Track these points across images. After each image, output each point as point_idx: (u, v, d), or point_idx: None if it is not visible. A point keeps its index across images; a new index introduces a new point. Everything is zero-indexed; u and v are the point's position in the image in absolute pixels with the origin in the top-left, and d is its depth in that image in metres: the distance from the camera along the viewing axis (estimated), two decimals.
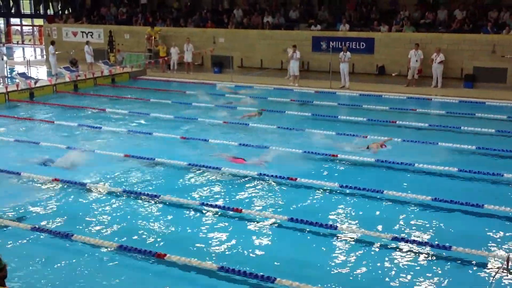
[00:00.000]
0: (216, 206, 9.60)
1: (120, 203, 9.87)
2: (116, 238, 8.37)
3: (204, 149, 13.19)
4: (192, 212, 9.48)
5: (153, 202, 9.88)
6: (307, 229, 8.74)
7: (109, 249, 8.04)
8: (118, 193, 10.23)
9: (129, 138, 14.42)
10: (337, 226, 8.76)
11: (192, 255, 7.81)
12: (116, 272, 7.54)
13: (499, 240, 8.38)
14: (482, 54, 20.71)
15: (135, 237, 8.52)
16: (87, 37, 28.58)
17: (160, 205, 9.76)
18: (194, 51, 25.13)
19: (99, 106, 18.26)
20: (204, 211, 9.49)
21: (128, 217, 9.33)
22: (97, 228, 8.89)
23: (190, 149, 13.27)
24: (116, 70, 23.98)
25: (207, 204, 9.67)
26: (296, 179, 10.81)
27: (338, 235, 8.58)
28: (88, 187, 10.50)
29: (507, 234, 8.51)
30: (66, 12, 35.39)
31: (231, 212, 9.36)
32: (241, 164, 11.57)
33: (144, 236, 8.59)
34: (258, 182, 10.87)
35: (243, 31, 25.59)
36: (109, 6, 31.29)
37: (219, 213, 9.40)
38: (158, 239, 8.50)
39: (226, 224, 9.06)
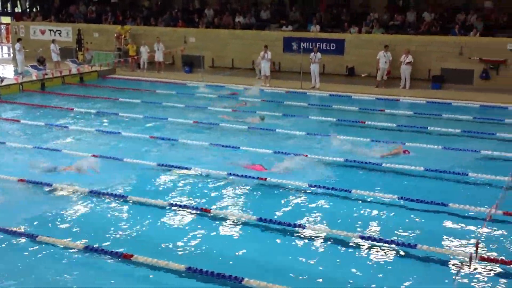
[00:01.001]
0: (184, 206, 9.55)
1: (86, 204, 9.73)
2: (83, 239, 8.25)
3: (174, 149, 13.13)
4: (161, 213, 9.40)
5: (120, 202, 9.77)
6: (276, 229, 8.75)
7: (75, 250, 7.93)
8: (84, 194, 10.09)
9: (97, 137, 14.24)
10: (305, 226, 8.80)
11: (160, 255, 7.75)
12: (82, 273, 7.43)
13: (464, 238, 8.52)
14: (450, 56, 21.08)
15: (102, 238, 8.41)
16: (55, 35, 28.17)
17: (128, 206, 9.66)
18: (164, 51, 24.98)
19: (67, 105, 18.00)
20: (172, 212, 9.42)
21: (95, 218, 9.22)
22: (63, 229, 8.75)
23: (160, 149, 13.18)
24: (84, 69, 23.67)
25: (176, 204, 9.62)
26: (265, 179, 10.83)
27: (306, 234, 8.61)
28: (54, 188, 10.33)
29: (471, 232, 8.66)
30: (34, 10, 34.76)
31: (199, 212, 9.33)
32: (261, 172, 11.26)
33: (111, 237, 8.49)
34: (227, 182, 10.85)
35: (214, 30, 25.55)
36: (78, 4, 30.88)
37: (187, 213, 9.35)
38: (126, 240, 8.41)
39: (195, 224, 9.01)
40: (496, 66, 20.41)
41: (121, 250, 7.86)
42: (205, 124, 15.55)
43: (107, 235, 8.54)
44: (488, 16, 22.31)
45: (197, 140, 13.75)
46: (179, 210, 9.45)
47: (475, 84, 20.82)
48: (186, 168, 11.45)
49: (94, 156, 11.79)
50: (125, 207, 9.62)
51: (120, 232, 8.68)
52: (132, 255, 7.64)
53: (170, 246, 8.21)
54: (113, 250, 7.83)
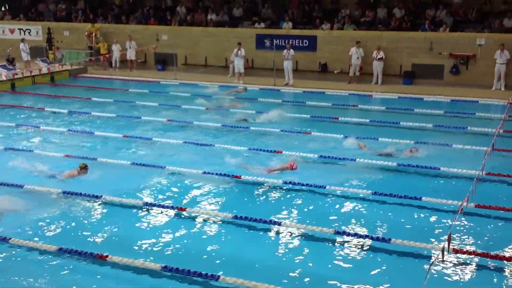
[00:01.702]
0: (159, 205, 9.50)
1: (60, 205, 9.61)
2: (56, 241, 8.14)
3: (148, 148, 13.05)
4: (135, 212, 9.35)
5: (95, 202, 9.67)
6: (252, 226, 8.78)
7: (48, 252, 7.82)
8: (58, 194, 9.95)
9: (70, 137, 14.06)
10: (281, 222, 8.84)
11: (136, 255, 7.71)
12: (56, 275, 7.36)
13: (436, 231, 8.66)
14: (420, 52, 21.34)
15: (76, 239, 8.32)
16: (24, 34, 27.68)
17: (102, 206, 9.58)
18: (136, 49, 24.78)
19: (38, 105, 17.73)
20: (147, 211, 9.37)
21: (69, 219, 9.10)
22: (36, 231, 8.63)
23: (134, 148, 13.09)
24: (55, 68, 23.32)
25: (150, 203, 9.56)
26: (240, 176, 10.83)
27: (282, 231, 8.66)
28: (26, 189, 10.17)
29: (444, 225, 8.80)
30: (3, 8, 34.10)
31: (175, 211, 9.30)
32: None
33: (85, 238, 8.40)
34: (202, 180, 10.81)
35: (187, 28, 25.43)
36: (47, 3, 30.40)
37: (162, 212, 9.30)
38: (100, 240, 8.34)
39: (170, 223, 8.98)
40: (465, 61, 20.74)
41: (95, 251, 7.79)
42: (179, 122, 15.48)
43: (81, 236, 8.46)
44: (457, 11, 22.66)
45: (172, 139, 13.71)
46: (154, 209, 9.40)
47: (445, 79, 21.13)
48: (161, 167, 11.39)
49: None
50: (99, 207, 9.53)
51: (95, 233, 8.59)
52: (107, 256, 7.58)
53: (146, 246, 8.17)
54: (87, 251, 7.75)
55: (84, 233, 8.58)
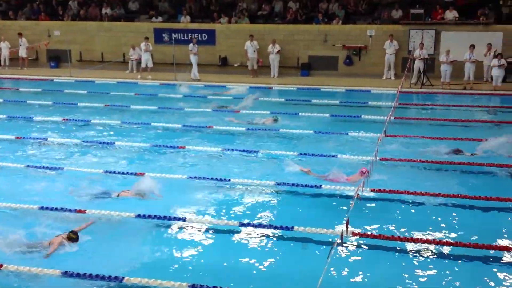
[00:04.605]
0: (56, 209, 9.02)
1: None
2: None
3: (43, 149, 12.48)
4: (30, 217, 8.85)
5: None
6: (156, 224, 8.66)
7: None
8: None
9: None
10: (185, 218, 8.79)
11: (33, 263, 7.36)
12: None
13: (336, 216, 8.97)
14: (315, 44, 22.00)
15: None
16: None
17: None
18: (28, 46, 23.55)
19: None
20: (43, 215, 8.89)
21: None
22: None
23: (28, 149, 12.46)
24: None
25: (47, 207, 9.07)
26: (143, 174, 10.64)
27: (187, 226, 8.62)
28: None
29: (342, 210, 9.15)
30: None
31: (73, 214, 8.93)
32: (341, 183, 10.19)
33: None
34: (102, 181, 10.45)
35: (81, 23, 24.52)
36: None
37: (60, 216, 8.89)
38: None
39: (69, 226, 8.59)
40: (358, 52, 21.65)
41: None
42: (75, 122, 14.94)
43: None
44: (348, 4, 23.54)
45: (68, 138, 13.22)
46: (51, 213, 8.97)
47: (340, 70, 21.92)
48: (58, 168, 10.94)
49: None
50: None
51: None
52: (1, 265, 7.19)
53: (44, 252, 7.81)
54: None
55: None
